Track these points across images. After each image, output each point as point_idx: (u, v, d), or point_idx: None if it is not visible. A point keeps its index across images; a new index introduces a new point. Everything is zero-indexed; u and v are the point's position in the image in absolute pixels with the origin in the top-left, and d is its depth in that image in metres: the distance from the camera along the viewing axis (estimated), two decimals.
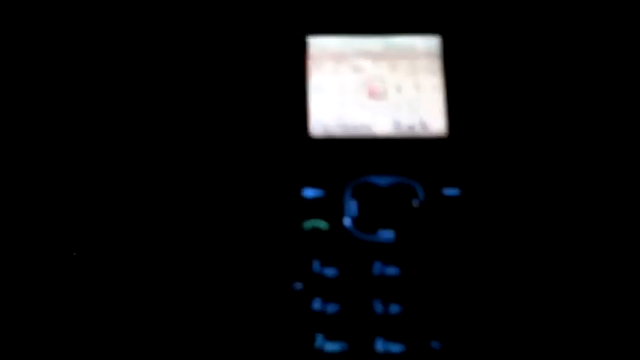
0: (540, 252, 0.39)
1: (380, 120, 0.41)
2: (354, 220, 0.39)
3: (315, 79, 0.42)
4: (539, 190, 0.40)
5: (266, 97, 0.42)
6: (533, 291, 0.39)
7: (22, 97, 0.42)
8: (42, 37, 0.43)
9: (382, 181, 0.40)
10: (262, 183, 0.40)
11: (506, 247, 0.39)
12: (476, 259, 0.39)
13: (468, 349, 0.38)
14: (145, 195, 0.40)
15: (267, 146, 0.41)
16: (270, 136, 0.41)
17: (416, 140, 0.41)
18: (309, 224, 0.39)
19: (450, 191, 0.40)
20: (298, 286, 0.38)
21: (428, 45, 0.42)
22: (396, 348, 0.38)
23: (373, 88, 0.41)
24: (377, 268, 0.39)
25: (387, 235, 0.39)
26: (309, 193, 0.40)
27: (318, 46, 0.42)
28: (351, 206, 0.39)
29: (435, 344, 0.37)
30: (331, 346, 0.38)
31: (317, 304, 0.38)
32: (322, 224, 0.39)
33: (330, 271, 0.39)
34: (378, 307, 0.38)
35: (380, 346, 0.38)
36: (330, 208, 0.39)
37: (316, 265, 0.39)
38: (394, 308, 0.38)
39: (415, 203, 0.40)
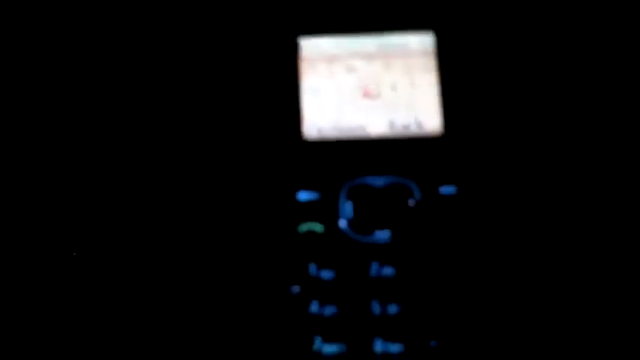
0: (538, 250, 0.39)
1: (374, 120, 0.41)
2: (350, 222, 0.39)
3: (308, 81, 0.41)
4: (536, 188, 0.40)
5: (258, 101, 0.42)
6: (531, 289, 0.39)
7: (22, 97, 0.42)
8: (42, 36, 0.43)
9: (377, 181, 0.40)
10: (257, 187, 0.40)
11: (504, 245, 0.39)
12: (473, 257, 0.39)
13: (466, 348, 0.37)
14: (140, 199, 0.40)
15: (260, 150, 0.41)
16: (264, 140, 0.41)
17: (411, 139, 0.40)
18: (305, 227, 0.39)
19: (447, 190, 0.40)
20: (295, 289, 0.39)
21: (422, 42, 0.42)
22: (394, 348, 0.38)
23: (367, 89, 0.41)
24: (374, 269, 0.39)
25: (383, 235, 0.39)
26: (304, 195, 0.40)
27: (310, 47, 0.42)
28: (347, 208, 0.39)
29: (433, 343, 0.37)
30: (329, 348, 0.38)
31: (314, 307, 0.38)
32: (318, 227, 0.39)
33: (326, 274, 0.39)
34: (376, 308, 0.38)
35: (379, 346, 0.38)
36: (325, 210, 0.39)
37: (313, 268, 0.39)
38: (392, 309, 0.38)
39: (411, 203, 0.39)
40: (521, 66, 0.42)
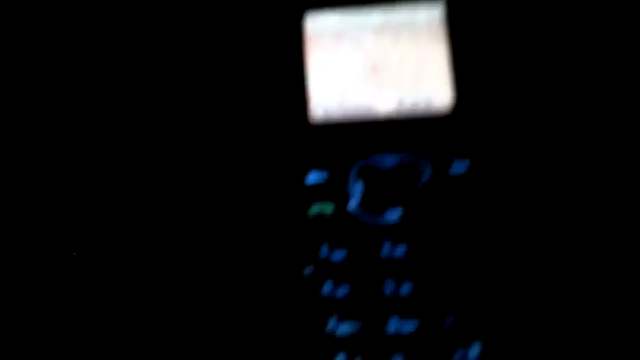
0: (552, 226, 0.38)
1: (383, 98, 0.40)
2: (361, 203, 0.39)
3: (313, 58, 0.40)
4: (551, 165, 0.39)
5: (263, 82, 0.41)
6: (546, 266, 0.38)
7: (22, 96, 0.42)
8: (42, 36, 0.43)
9: (387, 161, 0.39)
10: (264, 171, 0.40)
11: (516, 223, 0.39)
12: (485, 235, 0.38)
13: (481, 326, 0.37)
14: (144, 188, 0.40)
15: (267, 133, 0.40)
16: (270, 123, 0.40)
17: (421, 116, 0.39)
18: (315, 209, 0.39)
19: (458, 167, 0.39)
20: (308, 271, 0.39)
21: (431, 14, 0.40)
22: (409, 327, 0.38)
23: (375, 65, 0.40)
24: (386, 248, 0.38)
25: (394, 215, 0.39)
26: (313, 177, 0.39)
27: (316, 23, 0.41)
28: (357, 189, 0.39)
29: (449, 320, 0.37)
30: (343, 329, 0.38)
31: (327, 288, 0.38)
32: (328, 208, 0.39)
33: (338, 255, 0.38)
34: (389, 288, 0.38)
35: (393, 325, 0.38)
36: (334, 192, 0.39)
37: (324, 250, 0.39)
38: (405, 288, 0.38)
39: (422, 182, 0.39)
40: (536, 37, 0.40)
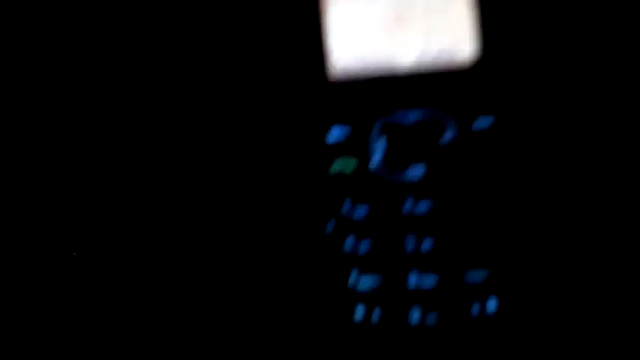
0: (577, 185, 0.38)
1: (406, 50, 0.38)
2: (383, 159, 0.38)
3: (332, 11, 0.39)
4: (578, 120, 0.38)
5: (281, 38, 0.39)
6: (567, 224, 0.38)
7: (22, 96, 0.41)
8: (42, 36, 0.41)
9: (410, 117, 0.38)
10: (285, 130, 0.39)
11: (540, 181, 0.38)
12: (507, 193, 0.38)
13: (499, 281, 0.38)
14: (164, 154, 0.40)
15: (285, 92, 0.39)
16: (289, 81, 0.39)
17: (444, 70, 0.38)
18: (337, 166, 0.39)
19: (483, 123, 0.38)
20: (330, 226, 0.39)
21: None
22: (429, 281, 0.38)
23: (399, 15, 0.39)
24: (407, 205, 0.38)
25: (416, 172, 0.38)
26: (335, 134, 0.39)
27: None
28: (379, 145, 0.38)
29: (469, 276, 0.38)
30: (364, 283, 0.38)
31: (349, 244, 0.38)
32: (350, 165, 0.39)
33: (360, 211, 0.38)
34: (410, 244, 0.38)
35: (413, 280, 0.38)
36: (356, 149, 0.38)
37: (346, 206, 0.39)
38: (426, 244, 0.38)
39: (445, 138, 0.38)
40: None
